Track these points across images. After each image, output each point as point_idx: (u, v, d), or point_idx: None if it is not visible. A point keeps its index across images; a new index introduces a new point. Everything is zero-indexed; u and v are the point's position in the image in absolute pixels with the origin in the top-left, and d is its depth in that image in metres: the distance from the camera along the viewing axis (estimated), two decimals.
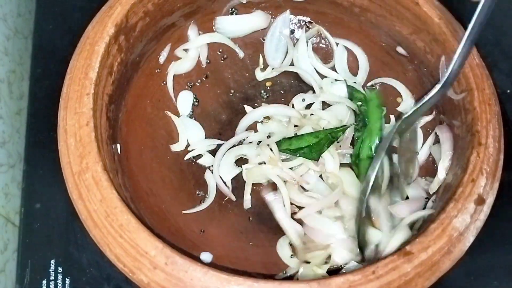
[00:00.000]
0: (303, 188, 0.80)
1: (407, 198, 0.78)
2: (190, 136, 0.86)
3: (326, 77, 0.90)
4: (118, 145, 0.76)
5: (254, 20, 0.92)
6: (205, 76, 0.90)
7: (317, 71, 0.91)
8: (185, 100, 0.88)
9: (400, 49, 0.85)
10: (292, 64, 0.91)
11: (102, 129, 0.69)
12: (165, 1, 0.78)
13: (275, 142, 0.80)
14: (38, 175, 0.88)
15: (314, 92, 0.88)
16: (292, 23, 0.93)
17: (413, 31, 0.80)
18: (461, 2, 1.04)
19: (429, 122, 0.83)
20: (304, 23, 0.92)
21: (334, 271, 0.73)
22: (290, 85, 0.92)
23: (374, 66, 0.90)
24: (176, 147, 0.84)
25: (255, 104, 0.89)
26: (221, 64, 0.92)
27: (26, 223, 0.85)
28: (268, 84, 0.92)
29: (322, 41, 0.93)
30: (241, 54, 0.91)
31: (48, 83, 0.95)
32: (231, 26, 0.91)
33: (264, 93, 0.91)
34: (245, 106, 0.88)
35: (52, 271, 0.81)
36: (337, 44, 0.91)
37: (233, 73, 0.92)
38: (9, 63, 0.96)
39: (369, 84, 0.89)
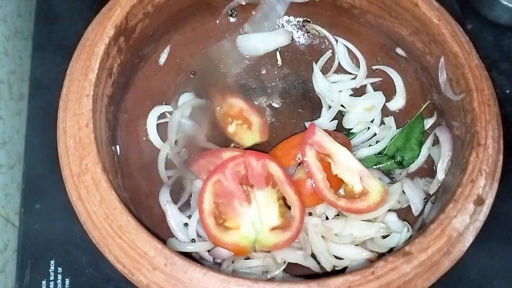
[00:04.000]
0: None
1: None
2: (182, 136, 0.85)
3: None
4: (118, 146, 0.76)
5: (276, 38, 0.93)
6: None
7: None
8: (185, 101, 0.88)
9: (399, 50, 0.85)
10: None
11: (101, 131, 0.69)
12: (164, 3, 0.78)
13: None
14: (38, 176, 0.88)
15: None
16: (291, 24, 0.93)
17: (412, 32, 0.80)
18: (462, 4, 1.05)
19: (428, 123, 0.83)
20: (301, 23, 0.93)
21: (337, 272, 0.73)
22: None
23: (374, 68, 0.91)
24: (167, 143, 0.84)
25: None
26: None
27: (26, 224, 0.85)
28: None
29: (325, 42, 0.93)
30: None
31: (48, 84, 0.95)
32: (254, 45, 0.92)
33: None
34: None
35: (52, 271, 0.81)
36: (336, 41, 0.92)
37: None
38: (9, 64, 0.96)
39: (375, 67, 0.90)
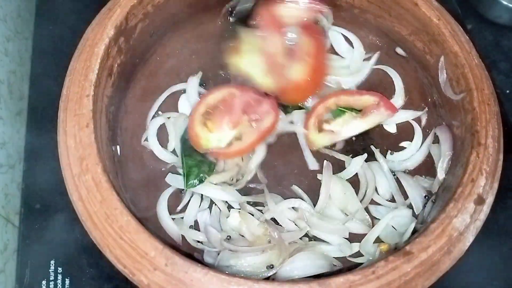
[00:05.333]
0: None
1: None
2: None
3: None
4: (118, 147, 0.76)
5: None
6: None
7: None
8: (186, 102, 0.87)
9: (399, 50, 0.85)
10: None
11: (102, 131, 0.69)
12: (164, 3, 0.78)
13: None
14: (38, 176, 0.88)
15: None
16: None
17: (412, 31, 0.80)
18: (462, 4, 1.05)
19: (428, 122, 0.83)
20: None
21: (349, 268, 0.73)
22: None
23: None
24: (169, 147, 0.84)
25: None
26: None
27: (26, 224, 0.85)
28: None
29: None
30: None
31: (48, 84, 0.95)
32: None
33: None
34: None
35: (52, 271, 0.81)
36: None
37: None
38: (9, 64, 0.96)
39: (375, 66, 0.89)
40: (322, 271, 0.70)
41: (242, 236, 0.74)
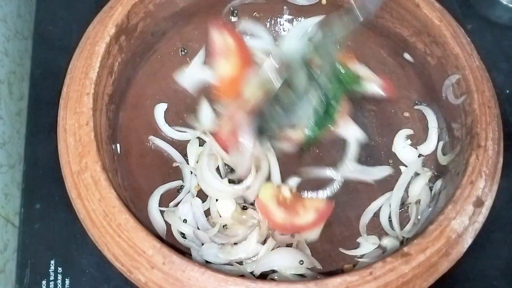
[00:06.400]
0: None
1: None
2: None
3: None
4: (118, 145, 0.76)
5: None
6: None
7: None
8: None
9: (406, 56, 0.84)
10: None
11: (102, 129, 0.69)
12: (166, 2, 0.78)
13: None
14: (38, 175, 0.88)
15: None
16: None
17: (413, 33, 0.80)
18: (462, 4, 1.05)
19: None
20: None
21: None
22: None
23: (376, 68, 0.90)
24: None
25: None
26: None
27: (26, 224, 0.85)
28: None
29: None
30: None
31: (48, 84, 0.95)
32: None
33: None
34: None
35: (52, 271, 0.81)
36: None
37: None
38: (9, 64, 0.96)
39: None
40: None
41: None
